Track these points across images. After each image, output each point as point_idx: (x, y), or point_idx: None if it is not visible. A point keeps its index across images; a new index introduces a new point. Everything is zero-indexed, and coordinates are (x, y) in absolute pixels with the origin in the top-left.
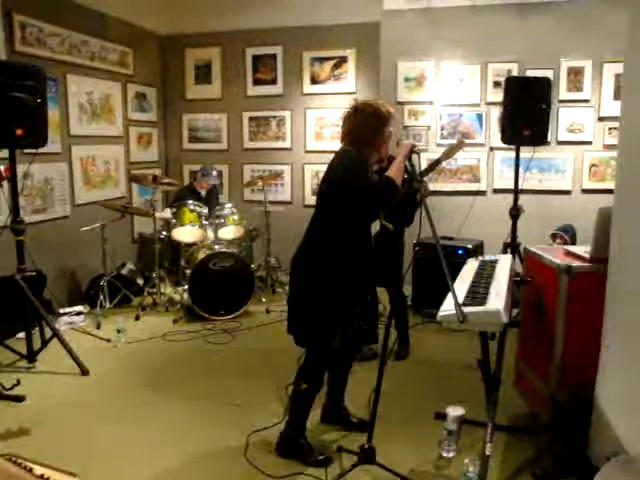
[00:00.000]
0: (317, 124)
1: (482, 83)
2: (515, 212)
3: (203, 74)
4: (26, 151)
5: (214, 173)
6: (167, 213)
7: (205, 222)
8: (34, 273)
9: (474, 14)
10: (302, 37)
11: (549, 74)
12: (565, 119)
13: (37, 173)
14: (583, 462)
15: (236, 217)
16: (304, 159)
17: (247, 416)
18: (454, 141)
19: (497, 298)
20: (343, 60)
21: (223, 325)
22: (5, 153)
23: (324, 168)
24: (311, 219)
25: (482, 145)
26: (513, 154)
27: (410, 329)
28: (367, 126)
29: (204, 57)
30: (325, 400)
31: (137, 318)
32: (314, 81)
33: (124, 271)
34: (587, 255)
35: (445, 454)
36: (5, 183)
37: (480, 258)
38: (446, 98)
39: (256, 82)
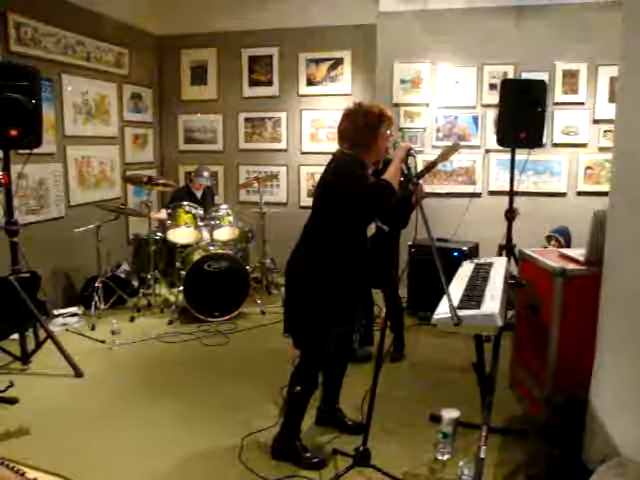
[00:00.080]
0: (313, 125)
1: (478, 85)
2: (510, 214)
3: (199, 75)
4: (20, 152)
5: (205, 174)
6: (162, 214)
7: (200, 223)
8: (28, 274)
9: (470, 16)
10: (298, 38)
11: (544, 77)
12: (560, 121)
13: (32, 174)
14: (577, 465)
15: (231, 218)
16: (300, 160)
17: (242, 418)
18: (450, 143)
19: (492, 301)
20: (339, 62)
21: (218, 327)
22: None
23: (320, 169)
24: (307, 221)
25: (478, 147)
26: (508, 156)
27: (405, 331)
28: (363, 128)
29: (200, 58)
30: (320, 402)
31: (132, 319)
32: (310, 82)
33: (119, 272)
34: (582, 258)
35: (440, 456)
36: None
37: (475, 260)
38: (442, 100)
39: (252, 83)
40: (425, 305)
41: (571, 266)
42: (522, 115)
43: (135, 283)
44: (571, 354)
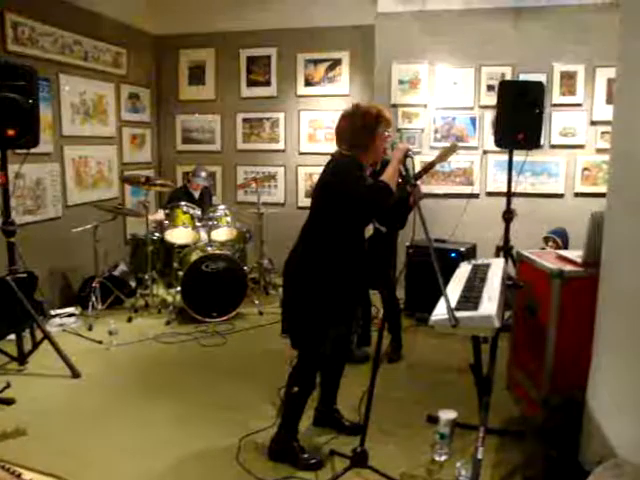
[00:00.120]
0: (311, 126)
1: (476, 86)
2: (508, 215)
3: (197, 75)
4: (18, 151)
5: (203, 174)
6: (160, 214)
7: (198, 224)
8: (25, 274)
9: (468, 17)
10: (296, 39)
11: (542, 78)
12: (558, 123)
13: (29, 174)
14: (574, 466)
15: (229, 219)
16: (298, 161)
17: (239, 419)
18: (447, 144)
19: (490, 302)
20: (337, 62)
21: (216, 327)
22: None
23: (318, 170)
24: (305, 222)
25: (475, 148)
26: (506, 157)
27: (402, 332)
28: (361, 129)
29: (198, 58)
30: (317, 403)
31: (129, 320)
32: (308, 83)
33: (116, 272)
34: (579, 259)
35: (437, 457)
36: None
37: (473, 262)
38: (440, 101)
39: (250, 83)
40: (422, 306)
41: (568, 268)
42: (520, 116)
43: (132, 283)
44: (568, 355)
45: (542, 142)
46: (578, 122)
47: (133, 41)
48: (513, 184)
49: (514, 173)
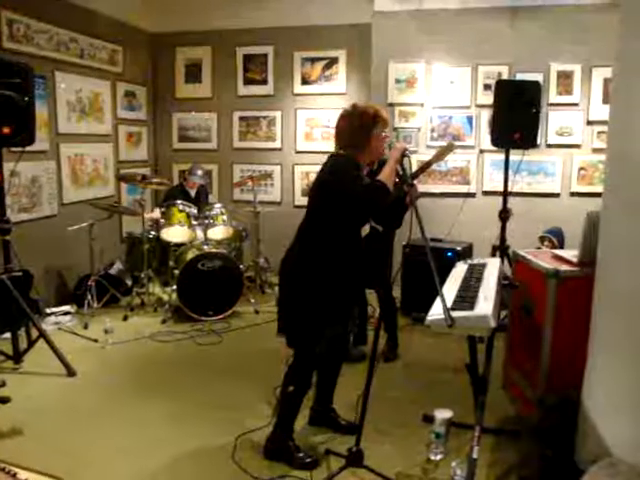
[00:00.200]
0: (307, 124)
1: (472, 86)
2: (504, 214)
3: (193, 73)
4: (13, 149)
5: (199, 172)
6: (156, 213)
7: (194, 222)
8: (20, 273)
9: (464, 17)
10: (293, 37)
11: (539, 78)
12: (554, 122)
13: (24, 172)
14: (570, 466)
15: (225, 217)
16: (294, 159)
17: (235, 418)
18: (444, 143)
19: (486, 302)
20: (334, 61)
21: (212, 326)
22: None
23: (314, 169)
24: (301, 221)
25: (472, 147)
26: (503, 157)
27: (399, 331)
28: (358, 129)
29: (194, 56)
30: (313, 402)
31: (125, 318)
32: (305, 81)
33: (112, 271)
34: (575, 259)
35: (433, 457)
36: None
37: (469, 261)
38: (437, 100)
39: (246, 82)
40: (419, 305)
41: (564, 267)
42: (516, 116)
43: (128, 282)
44: (564, 355)
45: (538, 141)
46: (574, 122)
47: (129, 39)
48: (509, 183)
49: (510, 172)
